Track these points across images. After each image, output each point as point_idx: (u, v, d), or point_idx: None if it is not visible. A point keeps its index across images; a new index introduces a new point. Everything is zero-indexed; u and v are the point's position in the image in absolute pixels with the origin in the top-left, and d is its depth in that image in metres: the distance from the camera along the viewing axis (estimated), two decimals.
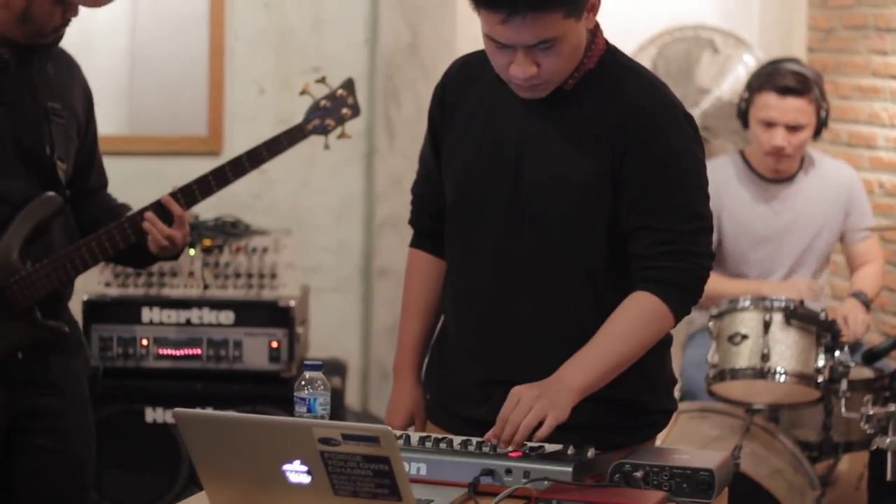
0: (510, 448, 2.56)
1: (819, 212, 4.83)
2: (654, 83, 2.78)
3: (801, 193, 4.84)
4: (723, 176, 4.80)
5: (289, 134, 3.45)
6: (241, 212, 5.02)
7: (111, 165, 3.47)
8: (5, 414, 3.17)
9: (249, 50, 5.45)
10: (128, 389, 4.58)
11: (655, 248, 2.69)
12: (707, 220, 2.75)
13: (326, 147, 3.56)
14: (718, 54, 5.47)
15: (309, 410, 2.56)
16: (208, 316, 4.59)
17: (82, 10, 3.12)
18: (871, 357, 4.17)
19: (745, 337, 4.26)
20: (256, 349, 4.57)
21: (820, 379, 4.19)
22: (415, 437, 2.64)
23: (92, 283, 4.60)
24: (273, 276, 4.66)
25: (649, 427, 2.84)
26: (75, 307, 3.54)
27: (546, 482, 2.45)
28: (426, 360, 2.98)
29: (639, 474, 2.52)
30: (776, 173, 4.83)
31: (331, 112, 3.54)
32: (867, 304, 4.72)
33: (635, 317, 2.68)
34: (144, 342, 4.57)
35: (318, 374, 2.58)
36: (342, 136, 3.57)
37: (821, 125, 4.75)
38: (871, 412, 3.81)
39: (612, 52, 2.78)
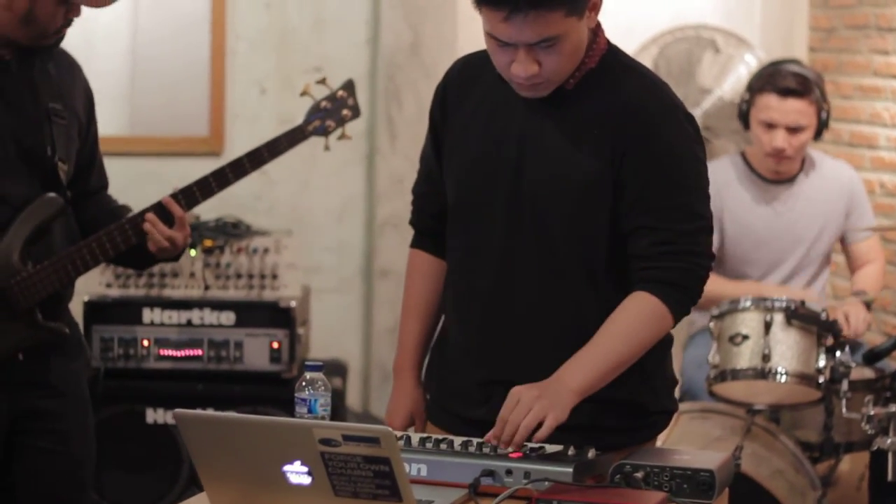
0: (510, 449, 2.56)
1: (820, 213, 4.83)
2: (655, 83, 2.78)
3: (802, 194, 4.84)
4: (724, 177, 4.80)
5: (289, 135, 3.46)
6: (242, 212, 5.01)
7: (112, 166, 3.47)
8: (6, 416, 3.17)
9: (251, 50, 5.45)
10: (129, 390, 4.58)
11: (655, 247, 2.69)
12: (707, 221, 2.75)
13: (327, 148, 3.56)
14: (720, 54, 5.47)
15: (310, 411, 2.56)
16: (209, 317, 4.59)
17: (84, 10, 3.11)
18: (872, 357, 4.17)
19: (745, 337, 4.26)
20: (257, 350, 4.57)
21: (821, 379, 4.18)
22: (415, 437, 2.64)
23: (93, 284, 4.60)
24: (274, 276, 4.66)
25: (650, 428, 2.84)
26: (76, 308, 3.55)
27: (546, 483, 2.45)
28: (427, 360, 2.98)
29: (639, 475, 2.52)
30: (777, 174, 4.83)
31: (331, 113, 3.54)
32: (868, 303, 4.72)
33: (635, 317, 2.68)
34: (145, 343, 4.57)
35: (318, 375, 2.58)
36: (342, 137, 3.57)
37: (821, 126, 4.75)
38: (871, 412, 3.80)
39: (613, 52, 2.78)
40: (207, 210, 4.61)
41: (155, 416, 4.59)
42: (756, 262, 4.82)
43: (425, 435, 2.68)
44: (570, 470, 2.47)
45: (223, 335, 4.57)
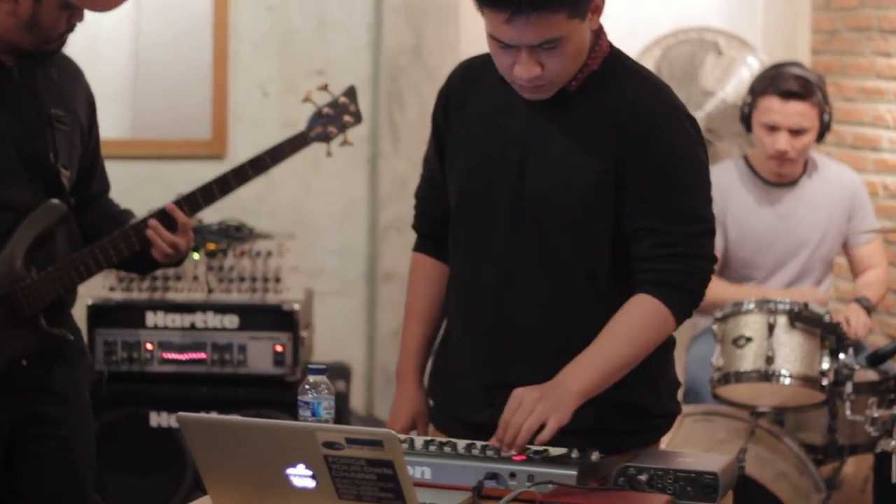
0: (513, 451, 2.56)
1: (823, 216, 4.83)
2: (657, 85, 2.78)
3: (804, 197, 4.84)
4: (727, 181, 4.80)
5: (292, 141, 3.48)
6: (245, 216, 5.01)
7: (115, 169, 3.47)
8: (8, 421, 3.17)
9: (253, 53, 5.45)
10: (132, 394, 4.58)
11: (657, 250, 2.69)
12: (710, 223, 2.74)
13: (329, 154, 3.59)
14: (722, 56, 5.47)
15: (313, 414, 2.56)
16: (212, 320, 4.59)
17: (87, 14, 3.11)
18: (876, 359, 4.16)
19: (749, 339, 4.26)
20: (261, 353, 4.57)
21: (825, 381, 4.18)
22: (419, 440, 2.64)
23: (96, 288, 4.60)
24: (277, 279, 4.66)
25: (653, 430, 2.83)
26: (80, 311, 3.54)
27: (550, 486, 2.45)
28: (430, 365, 2.98)
29: (643, 477, 2.52)
30: (780, 177, 4.83)
31: (333, 120, 3.56)
32: (869, 308, 4.72)
33: (637, 319, 2.68)
34: (149, 346, 4.57)
35: (322, 378, 2.58)
36: (344, 143, 3.60)
37: (824, 129, 4.75)
38: (875, 415, 3.80)
39: (615, 55, 2.78)
40: (210, 213, 4.59)
41: (159, 419, 4.58)
42: (760, 265, 4.82)
43: (429, 438, 2.68)
44: (574, 473, 2.47)
45: (226, 338, 4.57)
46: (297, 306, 4.58)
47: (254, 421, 2.30)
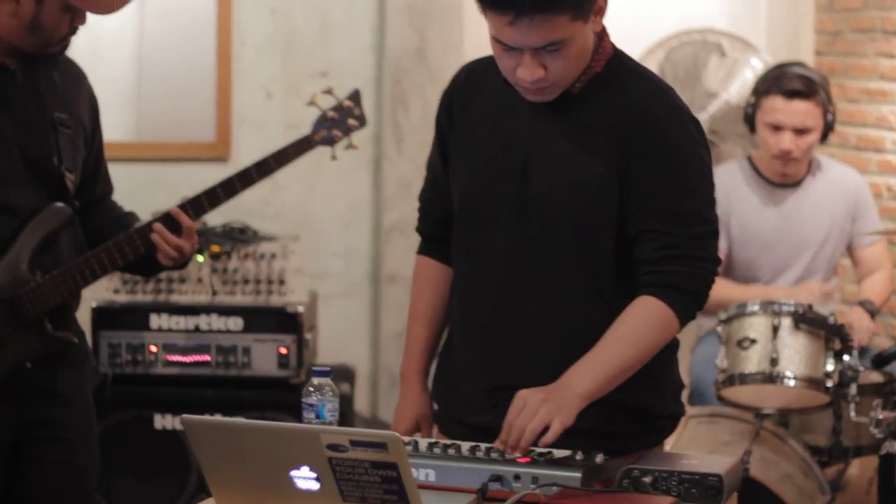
0: (518, 453, 2.56)
1: (827, 217, 4.83)
2: (660, 87, 2.78)
3: (808, 198, 4.84)
4: (731, 182, 4.80)
5: (296, 145, 3.49)
6: (249, 218, 5.02)
7: (118, 172, 3.47)
8: (12, 424, 3.17)
9: (256, 55, 5.45)
10: (136, 396, 4.58)
11: (661, 252, 2.69)
12: (713, 225, 2.74)
13: (333, 158, 3.60)
14: (726, 58, 5.47)
15: (317, 417, 2.56)
16: (217, 322, 4.59)
17: (90, 17, 3.11)
18: (881, 361, 4.16)
19: (753, 341, 4.25)
20: (265, 355, 4.57)
21: (829, 383, 4.18)
22: (423, 443, 2.64)
23: (100, 290, 4.60)
24: (281, 282, 4.66)
25: (657, 432, 2.83)
26: (84, 314, 3.55)
27: (555, 488, 2.45)
28: (434, 368, 2.98)
29: (647, 479, 2.52)
30: (784, 178, 4.83)
31: (338, 123, 3.57)
32: (873, 312, 4.71)
33: (641, 321, 2.68)
34: (153, 349, 4.58)
35: (326, 381, 2.58)
36: (349, 146, 3.60)
37: (828, 128, 4.75)
38: (880, 416, 3.80)
39: (619, 56, 2.78)
40: (214, 216, 4.59)
41: (163, 421, 4.59)
42: (764, 266, 4.82)
43: (433, 440, 2.68)
44: (579, 475, 2.47)
45: (231, 341, 4.58)
46: (301, 308, 4.58)
47: (258, 423, 2.30)
